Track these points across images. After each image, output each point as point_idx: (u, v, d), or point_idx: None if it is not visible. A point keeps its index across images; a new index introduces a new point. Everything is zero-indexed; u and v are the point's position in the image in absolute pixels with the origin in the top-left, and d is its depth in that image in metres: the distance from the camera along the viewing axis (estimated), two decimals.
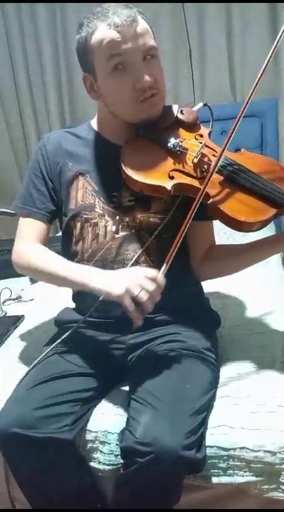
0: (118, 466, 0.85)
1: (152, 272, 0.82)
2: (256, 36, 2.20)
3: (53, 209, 1.05)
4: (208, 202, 0.89)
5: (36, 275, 1.02)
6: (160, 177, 0.90)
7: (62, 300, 1.18)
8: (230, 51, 2.27)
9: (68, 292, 1.12)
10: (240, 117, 0.89)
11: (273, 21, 2.16)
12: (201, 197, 0.86)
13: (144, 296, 0.79)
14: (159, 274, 0.82)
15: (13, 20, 2.47)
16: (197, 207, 0.85)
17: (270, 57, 0.88)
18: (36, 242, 1.03)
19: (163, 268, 0.83)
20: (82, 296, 1.03)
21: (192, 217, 0.85)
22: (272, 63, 2.21)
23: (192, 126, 0.99)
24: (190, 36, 2.29)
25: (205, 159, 0.93)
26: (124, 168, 0.92)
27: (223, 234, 1.67)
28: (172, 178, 0.90)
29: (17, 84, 2.58)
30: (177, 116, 0.98)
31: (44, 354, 0.95)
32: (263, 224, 0.89)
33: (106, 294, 0.84)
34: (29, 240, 1.03)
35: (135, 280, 0.81)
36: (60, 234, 1.11)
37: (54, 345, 0.94)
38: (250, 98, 0.88)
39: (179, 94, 2.36)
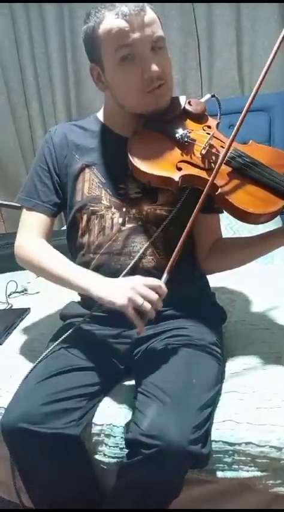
0: (123, 459, 0.85)
1: (154, 281, 0.83)
2: (266, 30, 2.17)
3: (58, 202, 1.04)
4: (216, 193, 0.88)
5: (37, 272, 1.01)
6: (168, 168, 0.90)
7: (67, 293, 1.18)
8: (239, 45, 2.25)
9: None
10: (248, 108, 0.88)
11: (283, 15, 2.13)
12: (208, 189, 0.85)
13: (147, 306, 0.81)
14: (161, 283, 0.83)
15: (20, 13, 2.46)
16: (205, 199, 0.84)
17: (276, 51, 0.87)
18: (40, 236, 1.02)
19: (164, 276, 0.84)
20: None
21: (199, 209, 0.85)
22: (281, 57, 2.19)
23: (199, 118, 0.98)
24: (198, 28, 2.27)
25: (213, 150, 0.92)
26: (131, 159, 0.91)
27: (229, 229, 1.67)
28: (180, 169, 0.90)
29: (23, 77, 2.58)
30: (184, 107, 0.97)
31: (50, 349, 0.95)
32: (272, 216, 0.88)
33: (109, 303, 0.84)
34: (33, 234, 1.02)
35: (137, 290, 0.81)
36: (64, 227, 1.11)
37: (59, 340, 0.94)
38: (257, 89, 0.87)
39: (187, 87, 2.34)
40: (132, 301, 0.81)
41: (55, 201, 1.04)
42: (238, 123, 0.87)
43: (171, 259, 0.85)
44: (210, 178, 0.85)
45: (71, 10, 2.39)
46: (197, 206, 0.85)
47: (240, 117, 0.87)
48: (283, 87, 2.17)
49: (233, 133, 0.88)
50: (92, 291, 0.87)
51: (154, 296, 0.81)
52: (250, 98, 0.87)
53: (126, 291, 0.82)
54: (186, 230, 0.85)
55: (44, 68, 2.54)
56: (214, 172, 0.86)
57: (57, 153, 1.03)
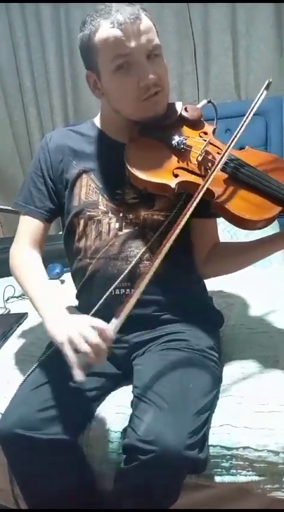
0: (121, 464, 0.85)
1: (101, 324, 0.77)
2: (261, 34, 2.19)
3: (52, 208, 1.05)
4: (213, 200, 0.88)
5: (18, 283, 1.01)
6: (165, 175, 0.90)
7: (65, 298, 1.18)
8: (235, 49, 2.27)
9: (71, 290, 1.12)
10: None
11: (278, 19, 2.15)
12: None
13: (86, 348, 0.75)
14: (109, 328, 0.77)
15: (17, 18, 2.47)
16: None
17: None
18: (31, 244, 1.03)
19: (115, 322, 0.78)
20: (86, 295, 1.04)
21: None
22: (277, 62, 2.21)
23: (196, 124, 0.99)
24: (194, 33, 2.28)
25: (210, 157, 0.93)
26: (128, 166, 0.92)
27: (226, 233, 1.68)
28: (176, 176, 0.90)
29: (21, 81, 2.59)
30: (181, 113, 0.98)
31: (46, 354, 0.95)
32: (268, 222, 0.89)
33: (51, 337, 0.82)
34: (24, 241, 1.04)
35: (79, 330, 0.77)
36: (61, 232, 1.11)
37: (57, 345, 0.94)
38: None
39: (183, 92, 2.36)
40: (70, 341, 0.77)
41: (49, 207, 1.04)
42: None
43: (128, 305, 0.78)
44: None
45: (68, 14, 2.40)
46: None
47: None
48: (279, 91, 2.18)
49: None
50: (44, 322, 0.86)
51: (95, 340, 0.75)
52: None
53: (69, 329, 0.78)
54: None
55: (41, 72, 2.55)
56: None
57: (52, 158, 1.04)
